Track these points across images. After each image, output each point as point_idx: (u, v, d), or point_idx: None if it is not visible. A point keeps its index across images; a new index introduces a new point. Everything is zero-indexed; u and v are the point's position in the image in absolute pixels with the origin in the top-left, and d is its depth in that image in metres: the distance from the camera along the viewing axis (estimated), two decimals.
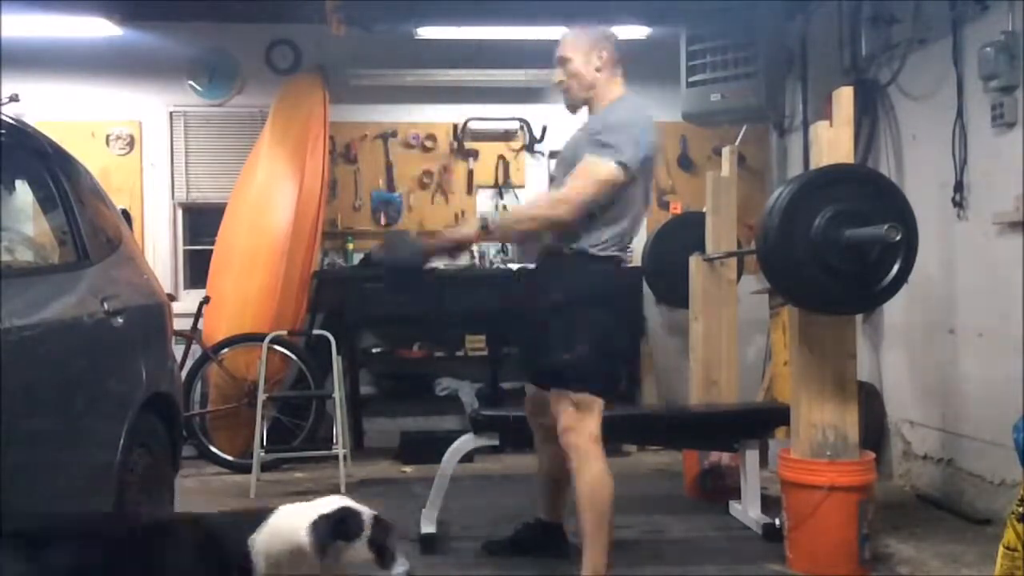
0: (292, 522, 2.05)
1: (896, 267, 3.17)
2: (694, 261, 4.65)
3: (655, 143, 3.11)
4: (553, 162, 6.13)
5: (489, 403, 5.60)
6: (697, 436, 4.07)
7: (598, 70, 3.12)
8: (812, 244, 3.12)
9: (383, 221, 6.03)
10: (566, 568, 3.22)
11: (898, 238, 2.98)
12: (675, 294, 4.95)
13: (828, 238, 3.10)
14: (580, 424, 2.98)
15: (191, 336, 5.33)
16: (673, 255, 4.87)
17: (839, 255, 3.12)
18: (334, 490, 4.67)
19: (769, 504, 3.81)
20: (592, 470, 2.97)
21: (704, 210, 4.71)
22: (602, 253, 3.03)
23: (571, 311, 3.01)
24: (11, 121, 2.91)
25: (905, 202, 3.25)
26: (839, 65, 4.94)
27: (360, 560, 2.06)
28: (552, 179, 3.21)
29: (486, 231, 3.03)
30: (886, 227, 2.97)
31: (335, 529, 2.04)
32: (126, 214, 3.76)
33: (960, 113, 4.05)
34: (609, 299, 3.07)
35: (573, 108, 3.23)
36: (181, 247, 6.10)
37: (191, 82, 5.98)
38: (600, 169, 2.94)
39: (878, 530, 3.52)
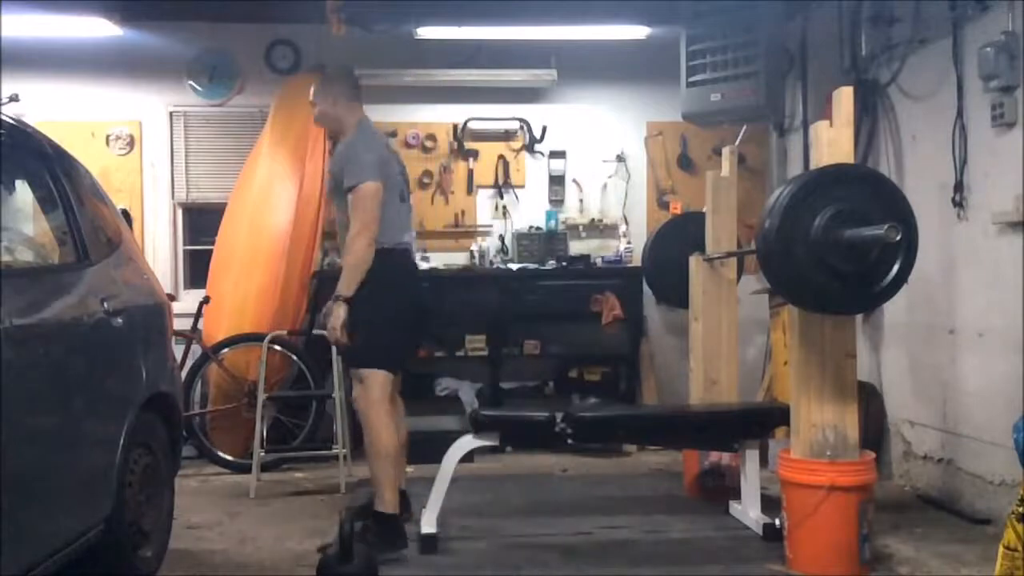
0: None
1: (896, 267, 3.16)
2: (694, 261, 4.65)
3: (384, 153, 3.70)
4: (553, 162, 6.17)
5: (489, 403, 5.61)
6: (697, 436, 4.06)
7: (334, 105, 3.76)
8: (812, 244, 3.12)
9: None
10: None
11: (898, 238, 2.98)
12: (675, 294, 4.94)
13: (828, 238, 3.10)
14: (364, 393, 3.56)
15: (191, 336, 5.32)
16: (673, 255, 4.86)
17: (839, 255, 3.12)
18: (334, 490, 4.69)
19: (769, 504, 3.81)
20: (373, 424, 3.54)
21: (704, 210, 4.71)
22: (385, 246, 3.60)
23: (360, 300, 3.57)
24: (11, 121, 2.91)
25: (905, 202, 3.24)
26: (839, 65, 4.94)
27: None
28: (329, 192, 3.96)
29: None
30: (886, 227, 2.97)
31: None
32: (126, 214, 3.77)
33: (960, 113, 4.05)
34: (390, 284, 3.60)
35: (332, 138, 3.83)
36: (181, 247, 6.10)
37: (191, 82, 5.98)
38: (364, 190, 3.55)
39: (878, 530, 3.52)
